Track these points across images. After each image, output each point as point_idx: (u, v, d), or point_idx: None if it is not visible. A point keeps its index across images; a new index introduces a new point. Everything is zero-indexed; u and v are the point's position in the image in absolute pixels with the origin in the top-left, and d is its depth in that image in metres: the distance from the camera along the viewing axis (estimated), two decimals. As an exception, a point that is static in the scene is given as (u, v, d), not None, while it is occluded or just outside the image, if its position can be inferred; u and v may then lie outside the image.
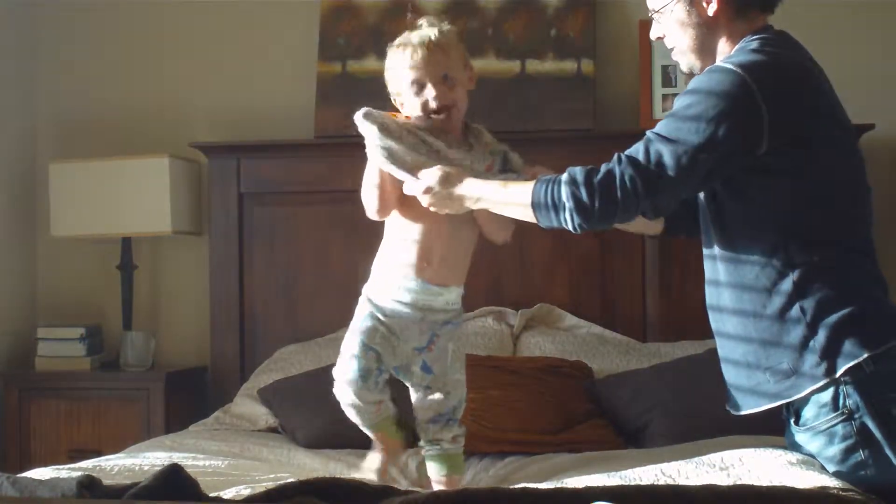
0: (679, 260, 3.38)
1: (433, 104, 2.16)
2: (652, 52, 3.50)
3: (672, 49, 2.11)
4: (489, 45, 3.61)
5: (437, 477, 2.30)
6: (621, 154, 1.95)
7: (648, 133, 1.95)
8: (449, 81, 2.18)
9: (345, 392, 2.27)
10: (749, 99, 1.88)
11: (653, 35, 2.14)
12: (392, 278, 2.23)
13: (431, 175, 2.09)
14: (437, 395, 2.27)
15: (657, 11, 2.09)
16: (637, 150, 1.93)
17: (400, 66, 2.19)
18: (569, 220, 1.94)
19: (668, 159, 1.89)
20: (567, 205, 1.93)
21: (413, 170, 2.12)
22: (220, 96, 3.83)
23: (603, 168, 1.93)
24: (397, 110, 2.26)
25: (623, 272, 3.45)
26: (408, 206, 2.21)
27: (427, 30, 2.20)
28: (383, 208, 2.22)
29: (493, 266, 3.43)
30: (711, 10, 2.02)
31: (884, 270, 2.04)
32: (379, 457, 2.35)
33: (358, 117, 2.14)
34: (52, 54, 3.93)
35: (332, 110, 3.60)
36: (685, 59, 2.10)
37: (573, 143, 3.42)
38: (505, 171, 2.22)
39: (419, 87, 2.17)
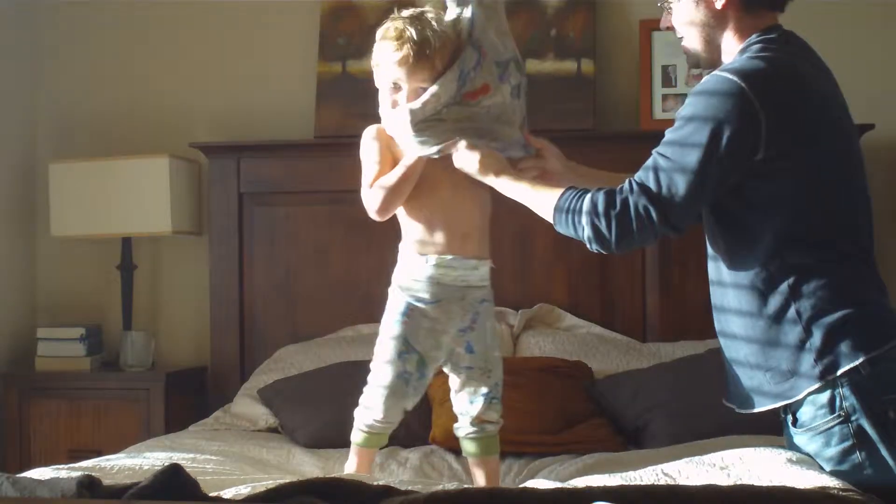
0: (679, 260, 3.37)
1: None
2: (652, 52, 3.50)
3: (681, 40, 2.12)
4: (489, 45, 3.60)
5: (476, 459, 2.30)
6: (633, 181, 1.96)
7: (655, 154, 1.96)
8: (423, 91, 2.15)
9: (377, 400, 2.25)
10: (747, 109, 1.88)
11: (663, 24, 2.15)
12: (427, 261, 2.22)
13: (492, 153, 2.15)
14: (480, 374, 2.27)
15: (667, 1, 2.10)
16: (647, 175, 1.95)
17: (385, 59, 2.21)
18: (588, 245, 1.99)
19: (678, 181, 1.91)
20: (586, 232, 1.97)
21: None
22: (220, 96, 3.83)
23: (618, 199, 1.95)
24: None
25: (623, 272, 3.45)
26: (418, 189, 2.22)
27: (423, 22, 2.20)
28: (386, 210, 2.22)
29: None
30: (719, 3, 2.02)
31: (884, 271, 2.03)
32: (354, 466, 2.31)
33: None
34: (52, 54, 3.92)
35: (332, 110, 3.60)
36: (692, 51, 2.10)
37: (573, 143, 3.39)
38: None
39: (395, 88, 2.20)
